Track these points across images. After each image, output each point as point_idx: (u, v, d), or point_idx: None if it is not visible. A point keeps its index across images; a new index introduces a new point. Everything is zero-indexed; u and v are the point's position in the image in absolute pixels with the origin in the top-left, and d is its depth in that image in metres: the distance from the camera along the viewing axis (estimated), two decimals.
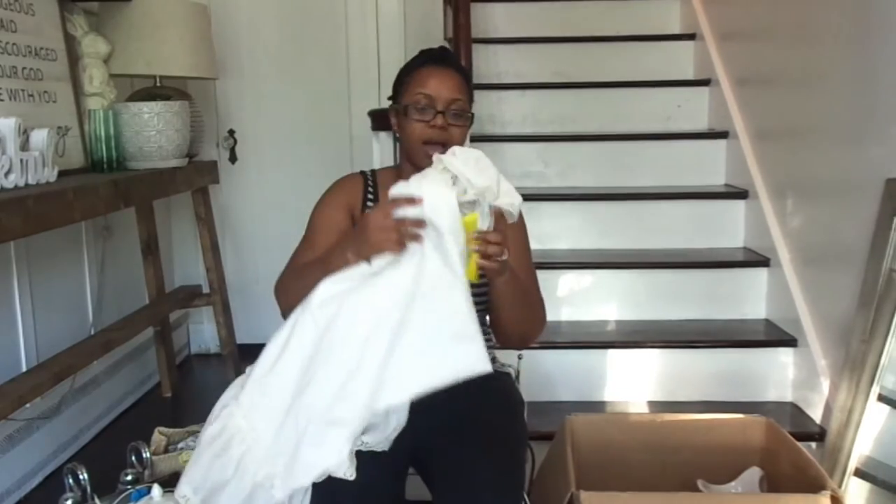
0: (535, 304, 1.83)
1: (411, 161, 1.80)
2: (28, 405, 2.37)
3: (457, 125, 1.77)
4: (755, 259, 3.13)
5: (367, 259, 1.50)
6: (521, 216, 1.91)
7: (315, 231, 1.80)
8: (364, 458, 1.51)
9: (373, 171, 1.93)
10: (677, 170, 3.59)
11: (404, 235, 1.46)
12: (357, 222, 1.74)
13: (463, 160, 1.48)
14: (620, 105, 3.85)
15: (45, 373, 2.39)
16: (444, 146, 1.69)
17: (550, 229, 3.31)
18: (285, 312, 1.62)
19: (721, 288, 3.12)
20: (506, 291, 1.68)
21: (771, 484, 2.09)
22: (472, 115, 1.84)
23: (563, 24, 4.14)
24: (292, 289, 1.65)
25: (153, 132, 2.73)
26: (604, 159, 3.63)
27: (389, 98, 1.89)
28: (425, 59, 1.82)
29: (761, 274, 3.08)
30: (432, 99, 1.75)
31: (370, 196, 1.85)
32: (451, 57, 1.86)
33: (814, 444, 2.57)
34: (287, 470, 1.49)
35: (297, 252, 1.81)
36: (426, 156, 1.72)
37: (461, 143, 1.79)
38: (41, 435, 2.74)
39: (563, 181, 3.62)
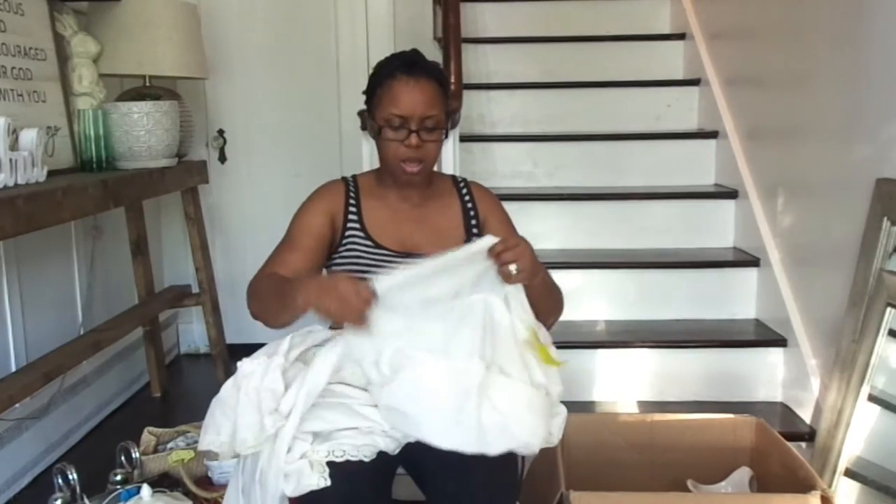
0: (556, 288, 1.87)
1: (390, 175, 1.87)
2: (17, 405, 2.36)
3: (431, 140, 1.81)
4: (745, 259, 3.14)
5: (308, 310, 1.52)
6: (502, 209, 1.95)
7: (294, 232, 1.84)
8: (351, 461, 1.52)
9: (354, 177, 1.96)
10: (667, 169, 3.59)
11: (364, 317, 1.48)
12: (338, 228, 1.85)
13: None
14: (610, 105, 3.85)
15: (34, 373, 2.38)
16: (420, 162, 1.80)
17: (539, 229, 3.31)
18: (254, 316, 1.71)
19: (711, 288, 3.12)
20: (541, 289, 1.71)
21: (761, 484, 2.10)
22: (449, 122, 1.91)
23: (553, 23, 4.14)
24: (256, 303, 1.72)
25: (143, 132, 2.73)
26: (593, 159, 3.63)
27: (364, 92, 1.91)
28: (395, 68, 1.82)
29: (751, 274, 3.09)
30: (406, 119, 1.78)
31: (352, 202, 1.89)
32: (422, 63, 1.84)
33: (804, 444, 2.57)
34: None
35: (275, 252, 1.84)
36: (403, 173, 1.82)
37: (436, 157, 1.86)
38: (30, 435, 2.73)
39: (553, 181, 3.63)
